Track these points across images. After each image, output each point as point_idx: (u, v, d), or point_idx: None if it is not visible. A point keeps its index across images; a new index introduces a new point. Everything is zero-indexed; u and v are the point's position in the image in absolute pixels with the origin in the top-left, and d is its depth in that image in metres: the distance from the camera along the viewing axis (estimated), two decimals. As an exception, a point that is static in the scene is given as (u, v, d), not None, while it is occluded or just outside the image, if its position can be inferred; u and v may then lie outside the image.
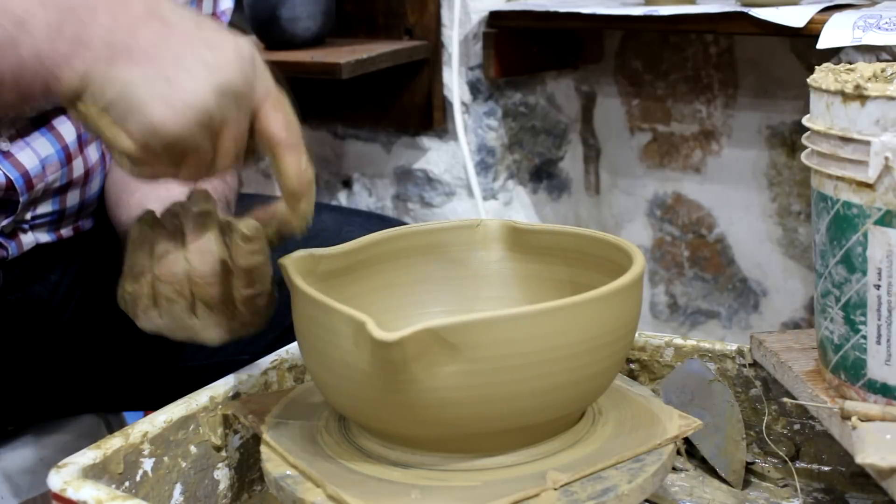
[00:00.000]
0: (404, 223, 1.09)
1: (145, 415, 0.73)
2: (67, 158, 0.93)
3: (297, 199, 0.68)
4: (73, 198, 0.97)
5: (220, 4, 1.03)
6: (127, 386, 1.06)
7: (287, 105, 0.67)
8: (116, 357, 1.04)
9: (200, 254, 0.70)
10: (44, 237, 0.96)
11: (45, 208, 0.95)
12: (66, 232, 0.99)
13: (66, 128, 0.93)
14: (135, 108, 0.61)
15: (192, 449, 0.74)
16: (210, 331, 0.72)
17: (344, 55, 1.58)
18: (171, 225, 0.71)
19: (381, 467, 0.65)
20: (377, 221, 1.10)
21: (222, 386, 0.76)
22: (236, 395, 0.76)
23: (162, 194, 0.84)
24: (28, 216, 0.93)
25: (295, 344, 0.79)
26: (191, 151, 0.63)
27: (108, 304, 1.00)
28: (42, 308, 0.97)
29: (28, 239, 0.94)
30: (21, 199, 0.90)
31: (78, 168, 0.95)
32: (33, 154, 0.90)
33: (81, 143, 0.94)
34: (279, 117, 0.66)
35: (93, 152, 0.96)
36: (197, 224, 0.70)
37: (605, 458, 0.65)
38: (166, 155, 0.63)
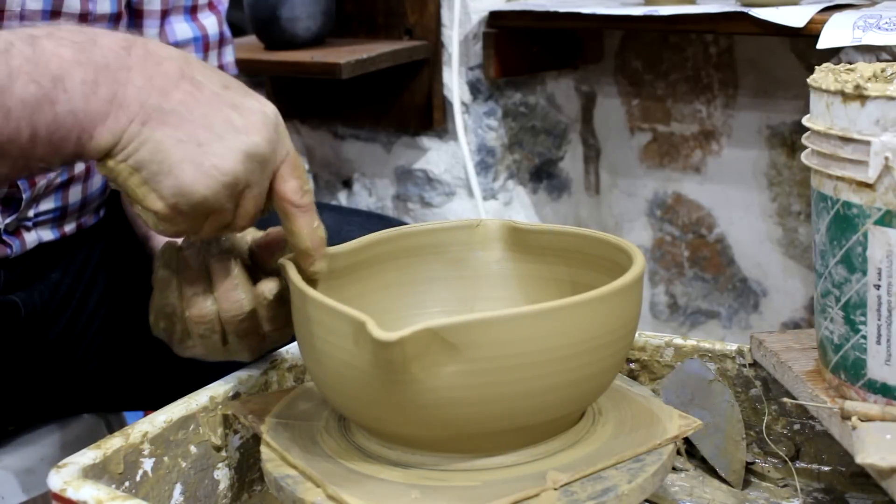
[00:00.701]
0: (404, 223, 1.09)
1: (145, 415, 0.73)
2: None
3: (311, 262, 0.70)
4: (74, 194, 0.97)
5: (225, 56, 1.05)
6: (127, 386, 1.06)
7: (302, 168, 0.70)
8: (116, 356, 1.04)
9: (227, 295, 0.72)
10: (47, 235, 0.96)
11: (47, 205, 0.95)
12: (69, 229, 0.99)
13: None
14: (166, 170, 0.63)
15: (192, 449, 0.74)
16: (243, 353, 0.76)
17: (344, 55, 1.58)
18: (194, 261, 0.73)
19: (381, 467, 0.65)
20: (377, 221, 1.11)
21: (222, 386, 0.76)
22: (236, 395, 0.76)
23: None
24: (31, 213, 0.93)
25: (295, 344, 0.79)
26: (215, 212, 0.66)
27: (107, 304, 1.01)
28: (43, 307, 0.97)
29: (31, 237, 0.94)
30: (24, 197, 0.90)
31: (79, 164, 0.95)
32: None
33: None
34: (295, 182, 0.69)
35: None
36: (222, 265, 0.72)
37: (605, 458, 0.65)
38: (191, 215, 0.65)
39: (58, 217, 0.97)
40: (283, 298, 0.72)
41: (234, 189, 0.65)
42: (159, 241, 0.87)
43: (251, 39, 1.78)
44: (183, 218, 0.65)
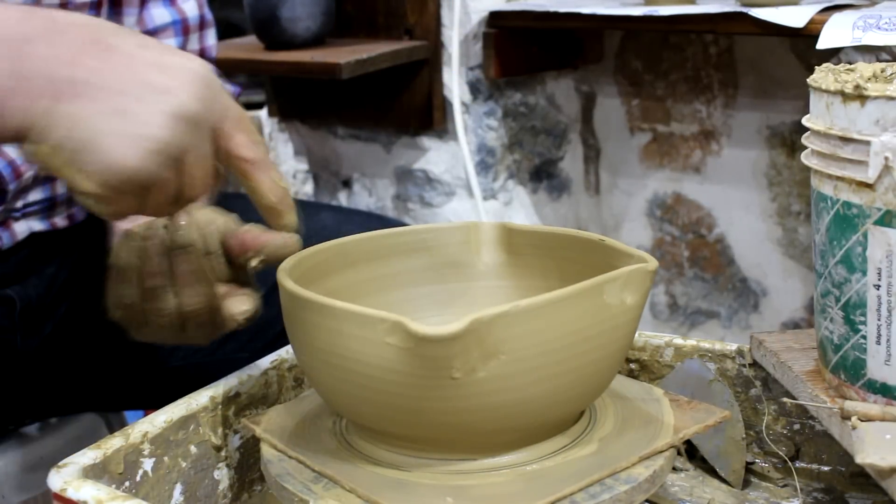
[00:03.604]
0: (404, 224, 1.09)
1: (145, 415, 0.73)
2: None
3: (279, 215, 0.67)
4: (62, 184, 0.95)
5: (206, 40, 1.04)
6: (126, 385, 1.06)
7: (247, 120, 0.64)
8: (115, 355, 1.03)
9: (189, 289, 0.70)
10: (37, 225, 0.95)
11: (35, 196, 0.94)
12: (60, 221, 0.98)
13: None
14: (88, 147, 0.57)
15: (192, 449, 0.74)
16: (199, 338, 0.74)
17: (344, 55, 1.58)
18: (155, 253, 0.70)
19: (390, 469, 0.65)
20: (377, 222, 1.11)
21: (222, 386, 0.76)
22: (236, 395, 0.76)
23: None
24: (19, 204, 0.92)
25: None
26: (154, 185, 0.60)
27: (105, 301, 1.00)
28: (39, 301, 0.97)
29: (21, 227, 0.93)
30: (10, 188, 0.89)
31: None
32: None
33: None
34: (243, 137, 0.63)
35: None
36: (184, 257, 0.70)
37: (607, 458, 0.65)
38: (129, 192, 0.59)
39: (47, 208, 0.96)
40: (244, 324, 0.71)
41: (168, 156, 0.59)
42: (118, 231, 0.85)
43: (251, 39, 1.78)
44: (121, 196, 0.59)
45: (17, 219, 0.93)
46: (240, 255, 0.72)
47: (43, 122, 0.58)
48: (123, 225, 0.83)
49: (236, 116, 0.63)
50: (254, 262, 0.71)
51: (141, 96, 0.58)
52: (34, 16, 0.59)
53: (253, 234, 0.72)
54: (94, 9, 0.92)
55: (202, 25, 1.03)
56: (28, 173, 0.91)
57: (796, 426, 0.81)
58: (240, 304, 0.71)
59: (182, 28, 1.01)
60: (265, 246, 0.71)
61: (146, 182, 0.59)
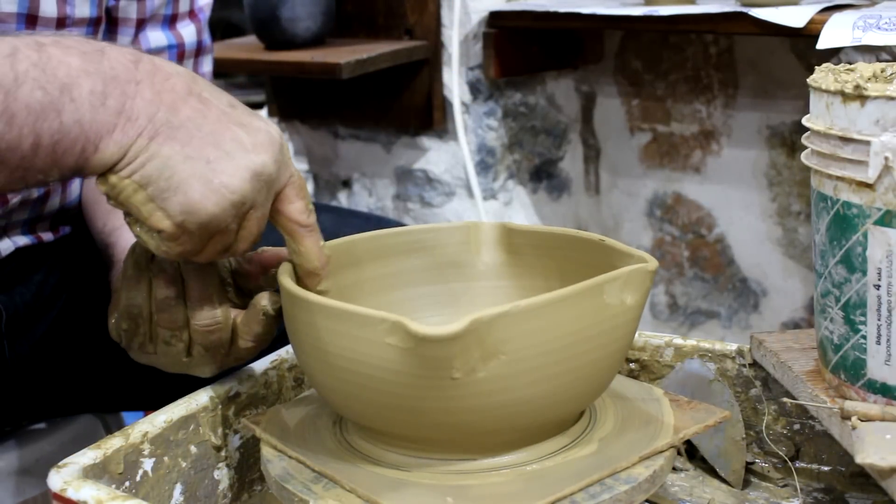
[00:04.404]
0: (404, 224, 1.09)
1: (145, 415, 0.73)
2: None
3: (318, 279, 0.70)
4: (51, 205, 0.95)
5: (202, 66, 1.03)
6: (126, 386, 1.06)
7: (306, 189, 0.69)
8: (114, 356, 1.03)
9: (202, 304, 0.71)
10: (22, 240, 0.94)
11: (20, 215, 0.93)
12: (45, 236, 0.97)
13: None
14: (174, 187, 0.62)
15: (192, 449, 0.74)
16: (203, 368, 0.74)
17: (344, 55, 1.58)
18: (168, 266, 0.71)
19: (390, 469, 0.65)
20: (376, 223, 1.10)
21: (222, 386, 0.76)
22: (236, 395, 0.76)
23: None
24: (1, 223, 0.91)
25: (295, 344, 0.79)
26: (219, 233, 0.64)
27: (100, 301, 1.00)
28: (26, 308, 0.96)
29: (5, 245, 0.92)
30: None
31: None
32: None
33: None
34: (301, 202, 0.68)
35: None
36: (197, 270, 0.71)
37: (607, 458, 0.65)
38: (197, 234, 0.63)
39: (30, 220, 0.94)
40: (270, 325, 0.71)
41: (241, 209, 0.64)
42: (120, 245, 0.85)
43: (251, 39, 1.78)
44: (188, 237, 0.64)
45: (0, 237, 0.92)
46: (262, 274, 0.74)
47: (135, 157, 0.61)
48: (125, 246, 0.83)
49: (298, 184, 0.68)
50: (276, 272, 0.71)
51: (229, 151, 0.63)
52: (142, 60, 0.64)
53: (270, 252, 0.74)
54: (92, 26, 0.90)
55: (199, 52, 1.03)
56: (14, 200, 0.89)
57: (796, 426, 0.81)
58: (269, 296, 0.71)
59: (178, 53, 1.00)
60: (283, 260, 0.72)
61: (215, 229, 0.64)
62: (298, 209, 0.68)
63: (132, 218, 0.65)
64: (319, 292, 0.69)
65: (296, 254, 0.69)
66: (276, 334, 0.74)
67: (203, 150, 0.62)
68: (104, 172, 0.62)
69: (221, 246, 0.66)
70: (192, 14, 1.02)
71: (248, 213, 0.65)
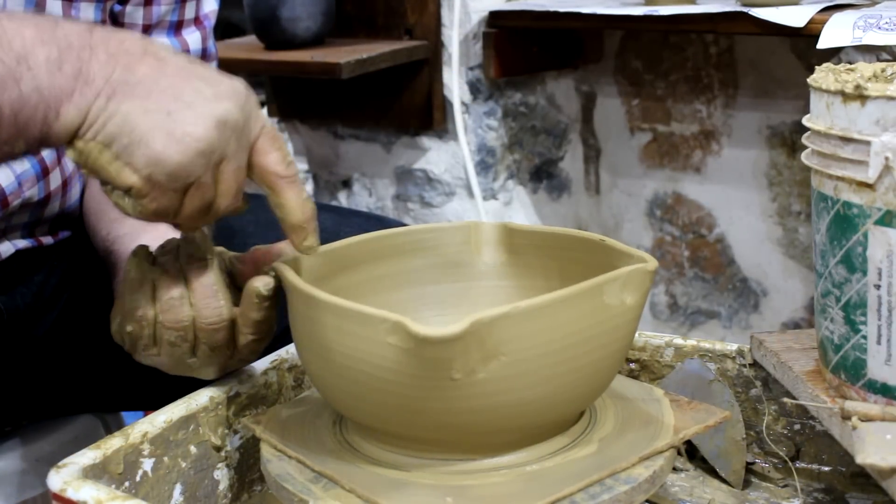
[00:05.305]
0: (404, 224, 1.09)
1: (145, 415, 0.73)
2: (44, 171, 0.91)
3: (303, 235, 0.69)
4: (51, 209, 0.95)
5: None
6: (126, 386, 1.06)
7: (281, 140, 0.68)
8: (114, 356, 1.03)
9: (206, 301, 0.71)
10: (21, 243, 0.94)
11: (20, 218, 0.93)
12: (45, 239, 0.97)
13: None
14: (137, 140, 0.62)
15: (192, 449, 0.74)
16: (208, 369, 0.74)
17: (344, 55, 1.58)
18: (171, 266, 0.71)
19: (390, 470, 0.65)
20: (376, 223, 1.10)
21: (222, 386, 0.76)
22: (236, 395, 0.76)
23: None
24: (1, 226, 0.92)
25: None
26: (193, 185, 0.64)
27: (102, 301, 1.00)
28: (27, 309, 0.96)
29: (5, 247, 0.92)
30: None
31: (55, 180, 0.93)
32: (9, 171, 0.88)
33: (59, 154, 0.93)
34: (277, 153, 0.67)
35: (70, 161, 0.95)
36: (200, 268, 0.71)
37: (607, 458, 0.65)
38: (169, 188, 0.63)
39: (30, 223, 0.94)
40: (266, 309, 0.71)
41: (210, 157, 0.63)
42: (122, 252, 0.85)
43: (251, 39, 1.78)
44: (159, 192, 0.63)
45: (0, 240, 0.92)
46: (256, 272, 0.73)
47: (96, 118, 0.62)
48: (126, 250, 0.83)
49: (271, 134, 0.67)
50: (275, 264, 0.71)
51: (190, 101, 0.63)
52: (96, 28, 0.64)
53: (263, 249, 0.74)
54: None
55: (203, 59, 1.02)
56: (15, 202, 0.90)
57: (797, 426, 0.81)
58: (261, 278, 0.71)
59: None
60: (282, 252, 0.72)
61: (187, 179, 0.63)
62: (275, 160, 0.67)
63: (108, 187, 0.65)
64: (307, 249, 0.68)
65: (278, 207, 0.68)
66: (275, 332, 0.74)
67: (162, 102, 0.62)
68: (71, 140, 0.63)
69: (200, 202, 0.65)
70: (197, 21, 1.02)
71: (220, 165, 0.64)
